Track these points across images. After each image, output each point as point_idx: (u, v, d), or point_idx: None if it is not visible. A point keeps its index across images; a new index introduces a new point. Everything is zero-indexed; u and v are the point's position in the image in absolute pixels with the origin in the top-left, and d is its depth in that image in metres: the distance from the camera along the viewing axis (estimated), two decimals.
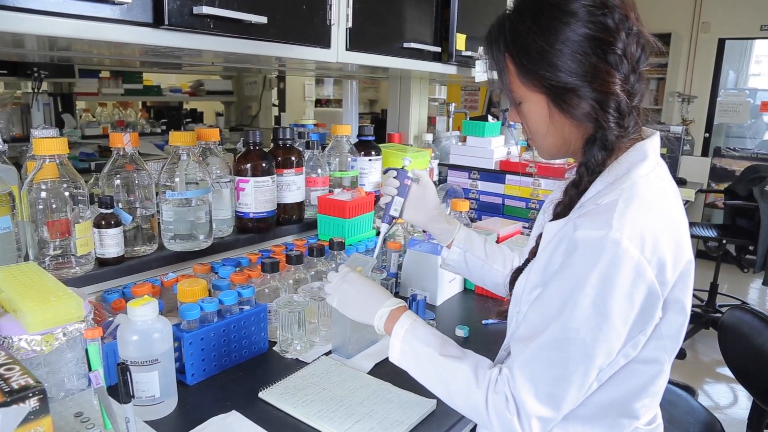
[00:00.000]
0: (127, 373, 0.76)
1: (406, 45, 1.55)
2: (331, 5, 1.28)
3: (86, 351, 0.79)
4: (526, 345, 0.82)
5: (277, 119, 5.02)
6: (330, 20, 1.29)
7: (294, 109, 5.15)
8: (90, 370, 0.78)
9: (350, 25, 1.34)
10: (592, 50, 0.81)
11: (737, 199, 3.86)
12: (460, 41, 1.74)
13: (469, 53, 1.80)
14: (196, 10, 0.99)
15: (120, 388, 0.76)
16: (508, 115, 0.98)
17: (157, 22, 0.96)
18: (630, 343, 0.81)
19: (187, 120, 4.98)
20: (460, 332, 1.29)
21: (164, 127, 4.67)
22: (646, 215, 0.79)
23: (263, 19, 1.09)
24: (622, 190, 0.81)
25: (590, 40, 0.81)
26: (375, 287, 1.02)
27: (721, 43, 5.21)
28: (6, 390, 0.68)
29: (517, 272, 1.01)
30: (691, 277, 0.85)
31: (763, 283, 3.71)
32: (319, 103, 6.65)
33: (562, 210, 0.91)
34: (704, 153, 5.36)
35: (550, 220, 0.93)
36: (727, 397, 3.10)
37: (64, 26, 0.88)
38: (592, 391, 0.83)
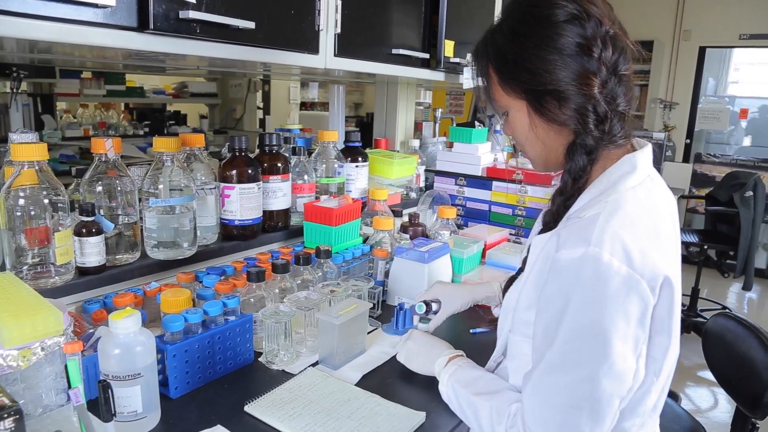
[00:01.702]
0: (109, 390, 0.73)
1: (394, 51, 1.54)
2: (319, 10, 1.26)
3: (66, 366, 0.76)
4: (531, 374, 0.83)
5: (262, 122, 4.97)
6: (318, 26, 1.27)
7: (279, 112, 5.10)
8: (69, 386, 0.76)
9: (339, 30, 1.32)
10: (569, 54, 0.82)
11: (718, 204, 3.90)
12: (448, 48, 1.73)
13: (457, 60, 1.79)
14: (182, 14, 0.96)
15: (101, 406, 0.73)
16: (500, 126, 0.98)
17: (141, 26, 0.93)
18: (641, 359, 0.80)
19: (171, 122, 4.91)
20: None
21: (147, 129, 4.60)
22: (630, 228, 0.78)
23: (251, 24, 1.07)
24: (606, 203, 0.81)
25: (566, 45, 0.82)
26: (435, 341, 1.12)
27: (702, 51, 5.28)
28: None
29: (510, 281, 1.02)
30: (677, 298, 0.83)
31: (743, 288, 3.76)
32: (304, 106, 6.61)
33: (550, 219, 0.92)
34: (685, 159, 5.42)
35: (539, 231, 0.93)
36: (708, 401, 3.13)
37: (46, 29, 0.84)
38: (617, 417, 0.81)
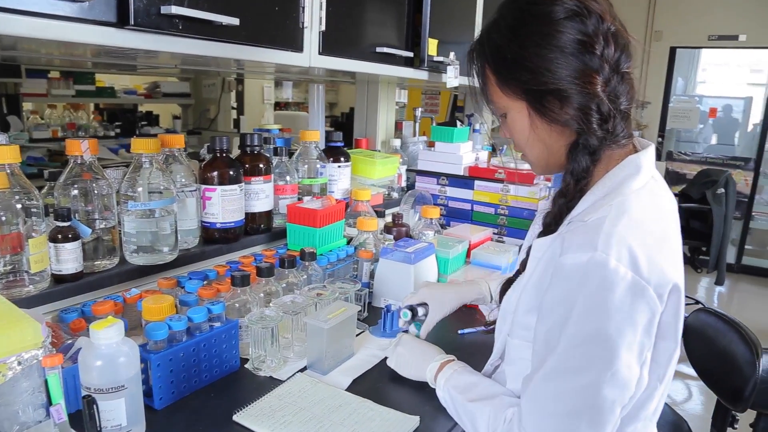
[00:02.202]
0: (94, 406, 0.69)
1: (378, 50, 1.51)
2: (303, 7, 1.23)
3: (45, 382, 0.72)
4: (530, 379, 0.81)
5: (236, 122, 4.89)
6: (303, 23, 1.23)
7: (252, 112, 5.02)
8: (50, 403, 0.71)
9: (323, 28, 1.29)
10: (570, 52, 0.79)
11: (690, 202, 3.97)
12: (432, 46, 1.71)
13: (440, 58, 1.77)
14: (164, 9, 0.92)
15: (86, 423, 0.69)
16: (500, 129, 0.95)
17: (121, 22, 0.89)
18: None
19: (143, 123, 4.80)
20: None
21: (119, 131, 4.49)
22: (636, 233, 0.75)
23: (235, 21, 1.03)
24: (611, 206, 0.78)
25: (567, 42, 0.79)
26: (426, 346, 1.10)
27: (673, 51, 5.37)
28: None
29: (507, 284, 0.99)
30: (683, 303, 0.81)
31: (716, 283, 3.83)
32: (278, 106, 6.54)
33: (551, 221, 0.88)
34: (658, 157, 5.48)
35: (539, 234, 0.90)
36: (683, 394, 3.18)
37: (19, 24, 0.80)
38: (618, 424, 0.79)
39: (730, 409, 1.50)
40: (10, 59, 2.92)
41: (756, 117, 5.32)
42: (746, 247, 5.25)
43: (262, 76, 4.22)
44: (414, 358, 1.08)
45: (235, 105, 4.94)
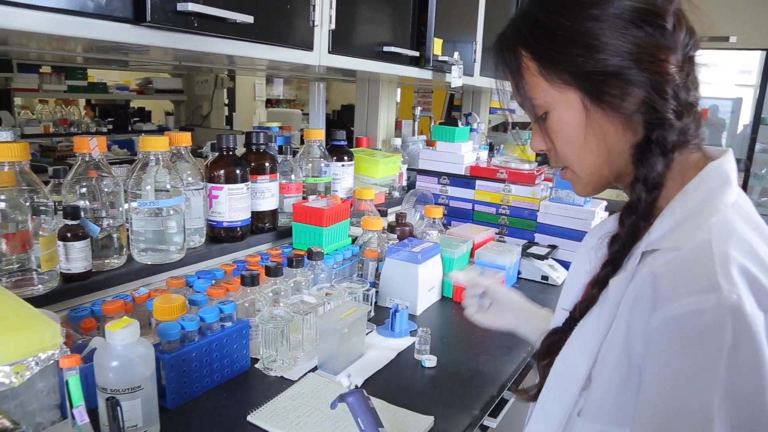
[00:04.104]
0: (118, 408, 0.68)
1: (385, 49, 1.51)
2: (314, 6, 1.22)
3: (67, 384, 0.71)
4: None
5: (228, 119, 4.87)
6: (313, 21, 1.23)
7: (244, 109, 5.00)
8: (71, 405, 0.70)
9: (333, 27, 1.28)
10: (635, 23, 0.64)
11: None
12: (437, 46, 1.71)
13: (445, 58, 1.77)
14: (180, 6, 0.91)
15: (110, 424, 0.68)
16: (530, 143, 0.78)
17: (137, 19, 0.88)
18: None
19: (135, 119, 4.76)
20: (430, 363, 1.17)
21: (111, 127, 4.44)
22: (753, 261, 0.57)
23: (249, 19, 1.02)
24: (709, 226, 0.60)
25: (631, 11, 0.65)
26: None
27: None
28: None
29: (557, 335, 0.75)
30: None
31: None
32: (269, 103, 6.51)
33: (621, 248, 0.69)
34: None
35: (606, 265, 0.70)
36: None
37: (34, 20, 0.78)
38: None
39: None
40: (2, 53, 2.87)
41: (746, 118, 5.38)
42: None
43: (254, 72, 4.19)
44: None
45: (227, 102, 4.91)
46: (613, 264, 0.69)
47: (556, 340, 0.74)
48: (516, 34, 0.73)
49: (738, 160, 0.71)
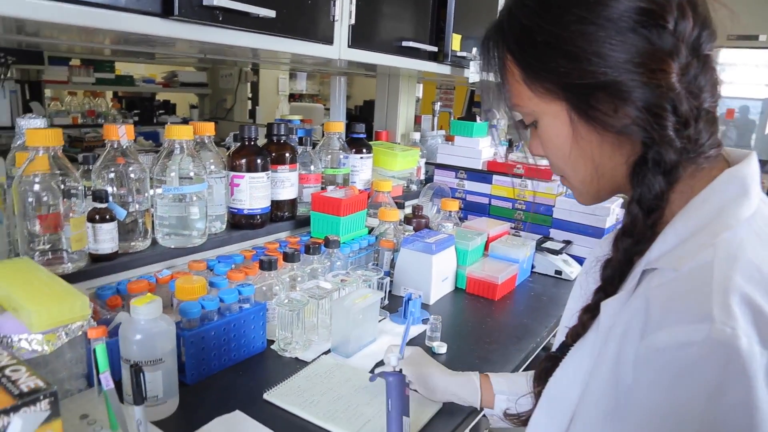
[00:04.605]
0: (141, 374, 0.73)
1: (404, 44, 1.54)
2: (334, 1, 1.26)
3: (94, 351, 0.76)
4: None
5: (252, 113, 4.94)
6: (333, 16, 1.27)
7: (267, 104, 5.07)
8: (98, 371, 0.76)
9: (353, 21, 1.32)
10: (629, 27, 0.57)
11: None
12: (455, 41, 1.74)
13: (463, 53, 1.80)
14: (206, 1, 0.96)
15: (133, 390, 0.73)
16: (529, 145, 0.73)
17: (166, 12, 0.93)
18: None
19: (160, 111, 4.86)
20: (440, 349, 1.20)
21: (137, 119, 4.55)
22: (761, 288, 0.50)
23: (271, 13, 1.07)
24: (714, 245, 0.53)
25: (624, 13, 0.57)
26: None
27: None
28: (16, 393, 0.65)
29: (551, 362, 0.70)
30: None
31: None
32: (292, 97, 6.58)
33: (614, 274, 0.63)
34: None
35: (599, 290, 0.65)
36: None
37: (67, 13, 0.83)
38: None
39: None
40: (33, 45, 2.97)
41: None
42: None
43: (278, 66, 4.26)
44: None
45: (250, 96, 4.99)
46: (605, 290, 0.64)
47: (549, 366, 0.70)
48: (500, 35, 0.67)
49: (764, 162, 0.64)
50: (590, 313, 0.65)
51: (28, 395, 0.64)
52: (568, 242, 1.81)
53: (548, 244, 1.78)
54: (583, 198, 0.71)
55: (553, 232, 1.87)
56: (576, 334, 0.66)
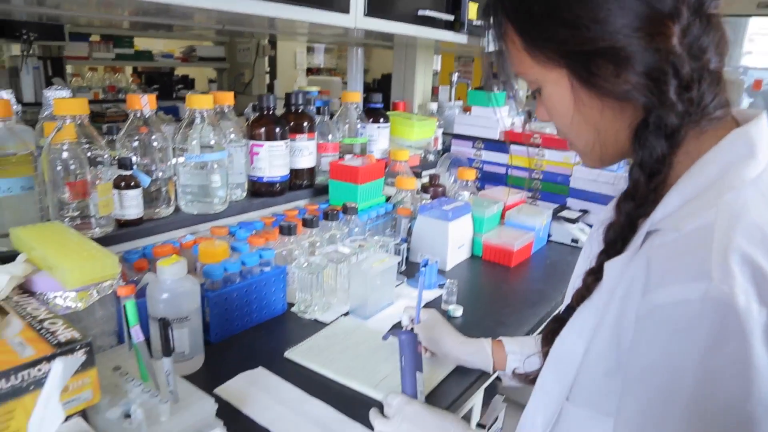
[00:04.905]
0: (169, 328, 0.78)
1: (420, 12, 1.55)
2: None
3: (124, 308, 0.80)
4: None
5: (270, 87, 4.96)
6: None
7: (285, 77, 5.07)
8: (129, 326, 0.80)
9: None
10: None
11: None
12: (472, 10, 1.73)
13: (480, 22, 1.79)
14: None
15: (162, 342, 0.77)
16: (536, 112, 0.74)
17: None
18: None
19: (179, 86, 4.91)
20: (456, 312, 1.24)
21: (156, 93, 4.59)
22: (762, 248, 0.51)
23: None
24: (716, 206, 0.54)
25: None
26: (438, 417, 0.83)
27: None
28: (54, 342, 0.69)
29: (558, 323, 0.71)
30: None
31: None
32: (310, 71, 6.57)
33: (616, 237, 0.65)
34: None
35: (602, 253, 0.66)
36: None
37: None
38: None
39: None
40: (53, 18, 3.01)
41: None
42: None
43: (295, 38, 4.26)
44: None
45: (268, 70, 5.00)
46: (607, 253, 0.65)
47: (556, 327, 0.71)
48: (499, 4, 0.66)
49: None
50: (594, 275, 0.66)
51: (66, 344, 0.69)
52: (584, 211, 1.82)
53: (565, 213, 1.80)
54: (588, 161, 0.72)
55: (570, 201, 1.88)
56: (581, 296, 0.67)
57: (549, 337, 0.73)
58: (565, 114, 0.65)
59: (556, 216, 1.78)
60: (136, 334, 0.79)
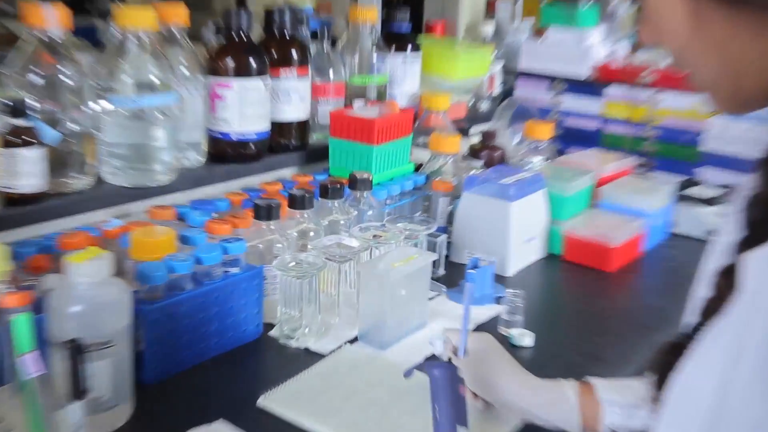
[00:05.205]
0: (81, 357, 0.75)
1: None
2: None
3: (11, 325, 0.78)
4: None
5: (240, 0, 4.95)
6: None
7: None
8: (17, 353, 0.77)
9: None
10: None
11: None
12: None
13: None
14: None
15: (70, 379, 0.75)
16: (639, 31, 0.76)
17: None
18: None
19: None
20: (523, 341, 1.21)
21: (69, 5, 4.61)
22: None
23: None
24: None
25: None
26: None
27: None
28: None
29: (674, 353, 0.69)
30: None
31: None
32: None
33: (764, 214, 0.64)
34: None
35: (745, 242, 0.67)
36: None
37: None
38: None
39: None
40: None
41: None
42: None
43: None
44: None
45: None
46: (750, 240, 0.63)
47: (673, 358, 0.69)
48: None
49: None
50: (730, 276, 0.63)
51: None
52: (726, 187, 1.77)
53: (695, 191, 1.78)
54: (720, 104, 0.70)
55: (704, 172, 1.86)
56: (711, 308, 0.65)
57: (664, 374, 0.69)
58: (678, 34, 0.65)
59: (681, 195, 1.76)
60: (29, 365, 0.76)
